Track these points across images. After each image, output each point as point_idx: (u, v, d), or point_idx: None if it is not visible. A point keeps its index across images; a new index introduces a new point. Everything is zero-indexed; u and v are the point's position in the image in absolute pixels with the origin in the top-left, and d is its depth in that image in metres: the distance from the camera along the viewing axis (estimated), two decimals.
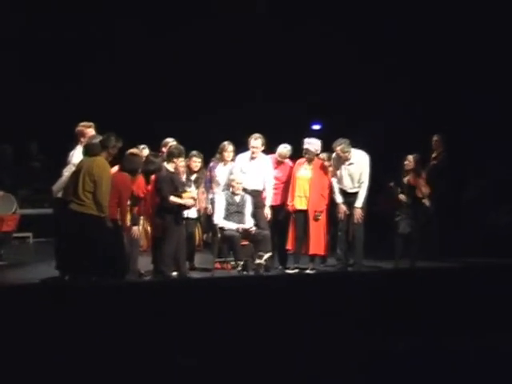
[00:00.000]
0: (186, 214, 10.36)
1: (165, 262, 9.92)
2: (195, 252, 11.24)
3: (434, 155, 12.24)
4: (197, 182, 10.84)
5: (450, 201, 12.17)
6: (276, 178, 11.08)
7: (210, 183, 11.18)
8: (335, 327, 6.00)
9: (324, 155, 11.18)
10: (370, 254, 11.21)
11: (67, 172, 9.73)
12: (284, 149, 11.11)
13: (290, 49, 15.12)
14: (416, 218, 11.03)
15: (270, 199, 10.97)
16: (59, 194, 9.77)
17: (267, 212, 10.93)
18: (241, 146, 11.16)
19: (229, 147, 11.04)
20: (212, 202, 11.00)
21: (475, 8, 13.93)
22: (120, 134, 9.46)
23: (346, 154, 10.74)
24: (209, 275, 10.66)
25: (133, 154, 9.68)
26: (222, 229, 10.67)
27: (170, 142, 10.89)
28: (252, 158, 10.98)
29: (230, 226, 10.64)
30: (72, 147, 9.97)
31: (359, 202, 10.80)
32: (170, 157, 10.12)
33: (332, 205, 11.00)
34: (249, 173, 10.93)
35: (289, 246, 11.07)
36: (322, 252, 11.02)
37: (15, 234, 12.79)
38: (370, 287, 7.00)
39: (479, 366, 5.56)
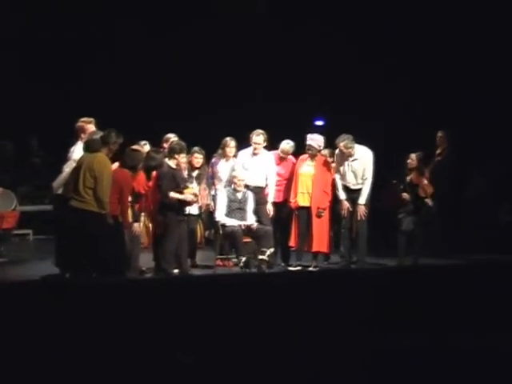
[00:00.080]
0: (188, 210, 10.21)
1: (166, 259, 9.81)
2: (197, 249, 11.11)
3: (438, 151, 12.14)
4: (198, 179, 10.70)
5: (453, 200, 12.06)
6: (279, 175, 10.95)
7: (211, 179, 11.06)
8: (338, 325, 5.91)
9: (326, 151, 11.07)
10: (374, 251, 11.09)
11: (67, 168, 9.60)
12: (287, 145, 10.98)
13: (289, 49, 15.02)
14: (419, 216, 10.92)
15: (272, 196, 10.85)
16: (59, 191, 9.64)
17: (269, 208, 10.80)
18: (243, 143, 11.04)
19: (231, 143, 10.91)
20: (214, 198, 10.89)
21: (475, 8, 13.83)
22: (121, 130, 9.35)
23: (350, 150, 10.60)
24: (210, 272, 10.55)
25: (134, 150, 9.59)
26: (223, 225, 10.54)
27: (172, 137, 10.77)
28: (254, 154, 10.86)
29: (232, 222, 10.50)
30: (72, 143, 9.84)
31: (363, 199, 10.68)
32: (172, 153, 9.99)
33: (335, 201, 10.88)
34: (251, 169, 10.81)
35: (291, 243, 10.94)
36: (325, 249, 10.89)
37: (15, 231, 12.70)
38: (373, 285, 6.93)
39: (482, 364, 5.47)
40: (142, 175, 9.57)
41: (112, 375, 5.12)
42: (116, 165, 9.44)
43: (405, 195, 11.04)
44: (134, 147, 9.72)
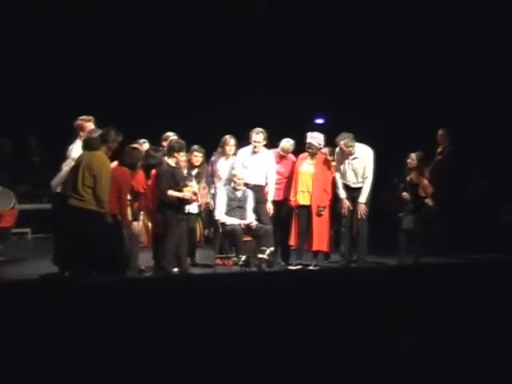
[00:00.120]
0: (187, 209, 10.12)
1: (166, 257, 9.73)
2: (196, 248, 11.03)
3: (439, 150, 12.08)
4: (198, 177, 10.62)
5: (453, 199, 12.01)
6: (279, 173, 10.88)
7: (211, 178, 10.97)
8: (338, 324, 5.84)
9: (326, 150, 10.99)
10: (374, 250, 11.02)
11: (66, 167, 9.52)
12: (287, 143, 10.90)
13: (289, 49, 14.97)
14: (419, 215, 10.87)
15: (272, 194, 10.77)
16: (58, 189, 9.55)
17: (269, 207, 10.72)
18: (243, 142, 10.96)
19: (230, 141, 10.82)
20: (214, 196, 10.80)
21: (475, 8, 13.78)
22: (121, 130, 9.27)
23: (350, 149, 10.53)
24: (210, 271, 10.46)
25: (133, 148, 9.49)
26: (223, 224, 10.45)
27: (171, 136, 10.69)
28: (254, 153, 10.78)
29: (232, 221, 10.41)
30: (71, 141, 9.76)
31: (363, 198, 10.61)
32: (171, 151, 9.91)
33: (335, 200, 10.80)
34: (251, 167, 10.73)
35: (291, 242, 10.86)
36: (325, 248, 10.81)
37: (14, 230, 12.61)
38: (374, 283, 6.82)
39: (483, 363, 5.46)
40: (141, 174, 9.48)
41: (111, 374, 5.08)
42: (115, 163, 9.33)
43: (405, 195, 10.99)
44: (133, 145, 9.63)
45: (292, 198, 10.78)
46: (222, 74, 14.86)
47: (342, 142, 10.49)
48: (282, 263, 10.93)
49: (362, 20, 14.71)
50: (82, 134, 9.59)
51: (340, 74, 14.67)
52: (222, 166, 10.89)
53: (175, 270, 9.90)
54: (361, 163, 10.58)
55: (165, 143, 10.57)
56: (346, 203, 10.65)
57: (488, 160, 13.19)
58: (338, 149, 10.68)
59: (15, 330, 5.31)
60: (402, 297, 6.32)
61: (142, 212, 9.93)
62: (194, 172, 10.62)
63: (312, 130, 10.96)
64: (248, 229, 10.42)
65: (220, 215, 10.49)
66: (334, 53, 14.72)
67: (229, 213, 10.48)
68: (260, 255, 10.25)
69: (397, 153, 11.53)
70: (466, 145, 12.66)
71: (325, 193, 10.72)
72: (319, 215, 10.67)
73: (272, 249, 10.39)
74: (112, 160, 9.25)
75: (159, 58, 14.97)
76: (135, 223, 9.55)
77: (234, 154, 10.85)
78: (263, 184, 10.78)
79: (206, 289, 6.44)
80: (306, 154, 10.80)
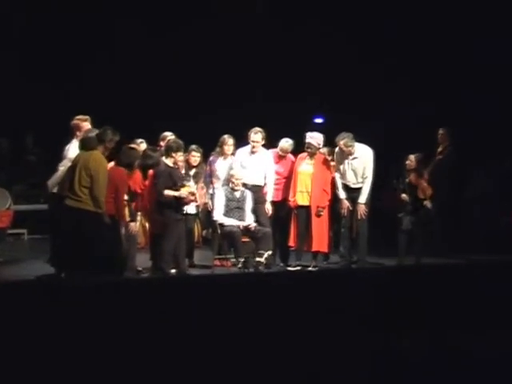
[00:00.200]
0: (185, 209, 9.99)
1: (164, 258, 9.61)
2: (194, 249, 10.93)
3: (439, 149, 11.95)
4: (196, 177, 10.50)
5: (453, 199, 11.91)
6: (277, 173, 10.75)
7: (209, 178, 10.85)
8: (338, 325, 5.77)
9: (325, 150, 10.88)
10: (374, 251, 10.92)
11: (63, 167, 9.40)
12: (286, 143, 10.76)
13: (289, 49, 14.89)
14: (417, 216, 10.76)
15: (271, 194, 10.65)
16: (55, 190, 9.43)
17: (268, 208, 10.59)
18: (242, 141, 10.83)
19: (229, 140, 10.69)
20: (212, 197, 10.68)
21: (475, 8, 13.70)
22: (121, 130, 9.18)
23: (350, 149, 10.41)
24: (208, 272, 10.33)
25: (130, 148, 9.38)
26: (221, 225, 10.32)
27: (169, 136, 10.54)
28: (252, 153, 10.65)
29: (230, 222, 10.29)
30: (68, 141, 9.64)
31: (363, 198, 10.51)
32: (169, 151, 9.78)
33: (335, 200, 10.69)
34: (249, 167, 10.60)
35: (291, 242, 10.72)
36: (324, 249, 10.68)
37: (9, 231, 12.54)
38: (373, 284, 6.71)
39: (484, 363, 5.44)
40: (138, 174, 9.37)
41: (109, 376, 5.04)
42: (112, 164, 9.21)
43: (404, 196, 10.87)
44: (130, 145, 9.52)
45: (291, 198, 10.65)
46: (222, 73, 14.77)
47: (341, 142, 10.38)
48: (281, 264, 10.81)
49: (361, 20, 14.63)
50: (78, 133, 9.49)
51: (340, 73, 14.58)
52: (221, 166, 10.76)
53: (173, 271, 9.79)
54: (360, 163, 10.48)
55: (162, 143, 10.44)
56: (346, 203, 10.56)
57: (488, 160, 13.08)
58: (337, 149, 10.58)
59: (11, 332, 5.22)
60: (402, 297, 6.23)
61: (139, 212, 9.84)
62: (192, 172, 10.50)
63: (311, 130, 10.84)
64: (247, 230, 10.29)
65: (218, 216, 10.36)
66: (334, 53, 14.63)
67: (227, 213, 10.35)
68: (258, 258, 10.12)
69: (397, 153, 11.41)
70: (467, 145, 12.54)
71: (324, 193, 10.60)
72: (318, 216, 10.54)
73: (270, 252, 10.26)
74: (109, 160, 9.12)
75: (159, 58, 14.88)
76: (132, 224, 9.48)
77: (233, 154, 10.72)
78: (262, 184, 10.66)
79: (205, 290, 6.33)
80: (305, 154, 10.68)
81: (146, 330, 5.41)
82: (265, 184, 10.65)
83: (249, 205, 10.43)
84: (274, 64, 14.86)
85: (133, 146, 9.62)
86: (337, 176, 10.61)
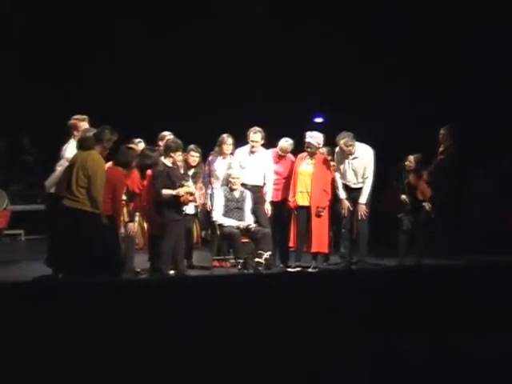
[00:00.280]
0: (184, 209, 9.87)
1: (163, 259, 9.50)
2: (193, 249, 10.81)
3: (440, 149, 11.76)
4: (195, 177, 10.35)
5: (453, 199, 11.71)
6: (277, 173, 10.64)
7: (208, 178, 10.73)
8: (338, 326, 5.60)
9: (324, 149, 10.78)
10: (374, 252, 10.82)
11: (60, 167, 9.27)
12: (285, 143, 10.64)
13: (289, 49, 14.78)
14: (417, 218, 10.69)
15: (270, 195, 10.54)
16: (52, 190, 9.30)
17: (268, 208, 10.47)
18: (241, 141, 10.72)
19: (228, 140, 10.57)
20: (211, 197, 10.55)
21: (475, 8, 13.59)
22: (120, 130, 9.07)
23: (350, 148, 10.30)
24: (207, 273, 10.21)
25: (127, 148, 9.25)
26: (221, 226, 10.19)
27: (167, 135, 10.43)
28: (252, 152, 10.52)
29: (230, 222, 10.16)
30: (65, 140, 9.52)
31: (363, 198, 10.40)
32: (168, 151, 9.65)
33: (335, 201, 10.59)
34: (248, 167, 10.48)
35: (290, 243, 10.62)
36: (324, 250, 10.57)
37: (6, 231, 12.52)
38: (374, 285, 6.52)
39: (484, 364, 5.33)
40: (136, 174, 9.26)
41: (107, 377, 4.90)
42: (110, 164, 9.09)
43: (403, 198, 10.76)
44: (128, 145, 9.40)
45: (291, 198, 10.54)
46: (222, 73, 14.67)
47: (341, 142, 10.27)
48: (281, 265, 10.70)
49: (361, 20, 14.51)
50: (76, 133, 9.35)
51: (340, 73, 14.46)
52: (220, 166, 10.65)
53: (171, 272, 9.67)
54: (361, 163, 10.38)
55: (161, 143, 10.34)
56: (346, 204, 10.45)
57: (488, 160, 13.00)
58: (337, 148, 10.47)
59: (9, 333, 5.01)
60: (403, 298, 6.05)
61: (137, 213, 9.72)
62: (191, 172, 10.36)
63: (311, 130, 10.73)
64: (246, 231, 10.16)
65: (218, 216, 10.24)
66: (334, 53, 14.52)
67: (226, 214, 10.23)
68: (257, 259, 10.00)
69: (397, 153, 11.31)
70: (469, 144, 12.40)
71: (324, 193, 10.49)
72: (318, 216, 10.43)
73: (269, 253, 10.14)
74: (107, 160, 9.00)
75: (159, 58, 14.77)
76: (130, 224, 9.38)
77: (232, 154, 10.61)
78: (261, 184, 10.55)
79: (203, 291, 6.12)
80: (304, 154, 10.56)
81: (145, 332, 5.23)
82: (264, 184, 10.54)
83: (248, 205, 10.32)
84: (273, 64, 14.75)
85: (131, 145, 9.50)
86: (337, 176, 10.51)
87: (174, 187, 9.48)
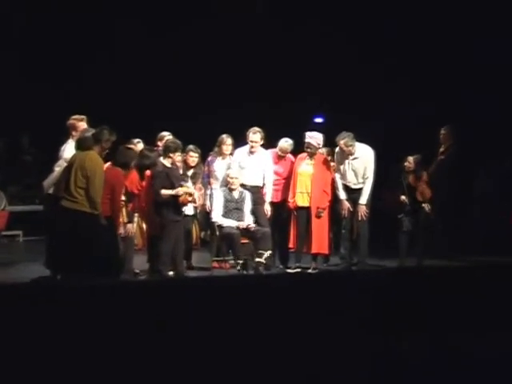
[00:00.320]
0: (183, 210, 9.78)
1: (162, 260, 9.42)
2: (192, 250, 10.72)
3: (441, 149, 11.74)
4: (194, 178, 10.25)
5: (453, 200, 11.66)
6: (277, 174, 10.56)
7: (207, 178, 10.64)
8: (338, 327, 5.56)
9: (324, 150, 10.70)
10: (375, 253, 10.73)
11: (58, 167, 9.20)
12: (285, 143, 10.56)
13: (289, 49, 14.69)
14: (417, 219, 10.63)
15: (270, 195, 10.45)
16: (50, 190, 9.24)
17: (267, 209, 10.39)
18: (240, 141, 10.65)
19: (227, 140, 10.49)
20: (211, 197, 10.47)
21: (475, 8, 13.51)
22: (120, 130, 9.03)
23: (350, 148, 10.21)
24: (207, 274, 10.14)
25: (126, 148, 9.19)
26: (220, 226, 10.10)
27: (166, 135, 10.36)
28: (251, 153, 10.45)
29: (229, 223, 10.06)
30: (64, 141, 9.45)
31: (363, 199, 10.32)
32: (167, 151, 9.57)
33: (335, 201, 10.50)
34: (248, 168, 10.40)
35: (290, 244, 10.54)
36: (324, 251, 10.49)
37: (4, 233, 12.49)
38: (374, 286, 6.48)
39: (484, 365, 5.30)
40: (135, 174, 9.17)
41: (105, 379, 4.86)
42: (108, 164, 9.00)
43: (403, 198, 10.68)
44: (127, 145, 9.35)
45: (290, 199, 10.46)
46: (222, 73, 14.59)
47: (341, 142, 10.19)
48: (281, 266, 10.61)
49: (362, 20, 14.44)
50: (74, 133, 9.29)
51: (340, 73, 14.38)
52: (219, 167, 10.57)
53: (171, 273, 9.57)
54: (361, 163, 10.30)
55: (160, 143, 10.28)
56: (346, 204, 10.36)
57: (488, 160, 12.94)
58: (337, 148, 10.39)
59: (7, 335, 4.95)
60: (403, 299, 6.03)
61: (136, 214, 9.63)
62: (190, 173, 10.28)
63: (311, 130, 10.67)
64: (246, 231, 10.08)
65: (217, 217, 10.16)
66: (334, 53, 14.43)
67: (226, 215, 10.15)
68: (258, 259, 9.93)
69: (397, 153, 11.24)
70: (470, 144, 12.40)
71: (324, 194, 10.41)
72: (318, 217, 10.35)
73: (270, 252, 10.06)
74: (106, 161, 8.92)
75: (159, 58, 14.68)
76: (129, 225, 9.29)
77: (231, 154, 10.54)
78: (260, 185, 10.46)
79: (203, 292, 6.08)
80: (304, 155, 10.49)
81: (144, 334, 5.19)
82: (264, 185, 10.46)
83: (248, 206, 10.24)
84: (273, 64, 14.66)
85: (130, 146, 9.43)
86: (337, 176, 10.43)
87: (173, 188, 9.40)
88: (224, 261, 10.39)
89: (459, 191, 11.88)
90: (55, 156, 9.48)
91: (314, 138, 10.38)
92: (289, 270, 10.40)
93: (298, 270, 10.36)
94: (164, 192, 9.32)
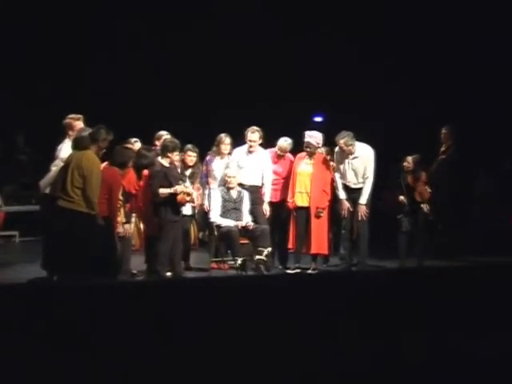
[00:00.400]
0: (181, 210, 9.64)
1: (160, 261, 9.29)
2: (190, 251, 10.60)
3: (442, 149, 11.63)
4: (192, 178, 10.16)
5: (453, 200, 11.55)
6: (276, 173, 10.44)
7: (206, 178, 10.52)
8: (338, 328, 5.45)
9: (323, 149, 10.57)
10: (374, 253, 10.62)
11: (55, 167, 9.08)
12: (284, 142, 10.41)
13: (289, 48, 14.64)
14: (415, 219, 10.54)
15: (268, 195, 10.33)
16: (47, 190, 9.10)
17: (266, 208, 10.27)
18: (239, 140, 10.54)
19: (226, 139, 10.35)
20: (209, 197, 10.31)
21: (475, 8, 13.47)
22: (120, 131, 8.99)
23: (350, 148, 10.06)
24: (205, 275, 10.02)
25: (123, 147, 9.07)
26: (218, 226, 9.98)
27: (164, 135, 10.24)
28: (249, 152, 10.33)
29: (228, 223, 9.94)
30: (60, 140, 9.34)
31: (363, 199, 10.17)
32: (165, 151, 9.44)
33: (335, 201, 10.38)
34: (246, 167, 10.29)
35: (290, 244, 10.39)
36: (324, 251, 10.35)
37: (0, 233, 12.42)
38: (374, 287, 6.38)
39: (484, 364, 5.20)
40: (132, 174, 9.03)
41: (103, 379, 4.78)
42: (105, 164, 8.90)
43: (401, 198, 10.57)
44: (125, 145, 9.25)
45: (290, 199, 10.33)
46: (221, 73, 14.50)
47: (341, 141, 10.04)
48: (280, 267, 10.47)
49: (361, 20, 14.37)
50: (71, 133, 9.17)
51: (340, 73, 14.31)
52: (217, 166, 10.44)
53: (168, 273, 9.45)
54: (361, 163, 10.16)
55: (158, 142, 10.16)
56: (346, 204, 10.22)
57: (488, 160, 12.85)
58: (337, 148, 10.24)
59: (3, 336, 4.86)
60: (403, 300, 5.93)
61: (133, 214, 9.56)
62: (188, 172, 10.17)
63: (311, 129, 10.53)
64: (245, 230, 9.95)
65: (215, 217, 10.03)
66: (334, 53, 14.37)
67: (224, 214, 10.03)
68: (258, 256, 9.78)
69: (397, 153, 11.17)
70: (470, 144, 12.32)
71: (324, 194, 10.27)
72: (318, 217, 10.22)
73: (270, 249, 9.91)
74: (103, 160, 8.81)
75: (158, 58, 14.61)
76: (127, 225, 9.15)
77: (230, 154, 10.41)
78: (259, 185, 10.34)
79: (201, 293, 5.98)
80: (303, 154, 10.35)
81: (141, 335, 5.09)
82: (262, 184, 10.34)
83: (246, 206, 10.14)
84: (273, 63, 14.59)
85: (127, 145, 9.33)
86: (337, 176, 10.29)
87: (171, 188, 9.27)
88: (222, 261, 10.26)
89: (460, 191, 11.78)
90: (50, 155, 9.38)
91: (314, 137, 10.25)
92: (288, 271, 10.28)
93: (298, 270, 10.23)
94: (162, 191, 9.19)
